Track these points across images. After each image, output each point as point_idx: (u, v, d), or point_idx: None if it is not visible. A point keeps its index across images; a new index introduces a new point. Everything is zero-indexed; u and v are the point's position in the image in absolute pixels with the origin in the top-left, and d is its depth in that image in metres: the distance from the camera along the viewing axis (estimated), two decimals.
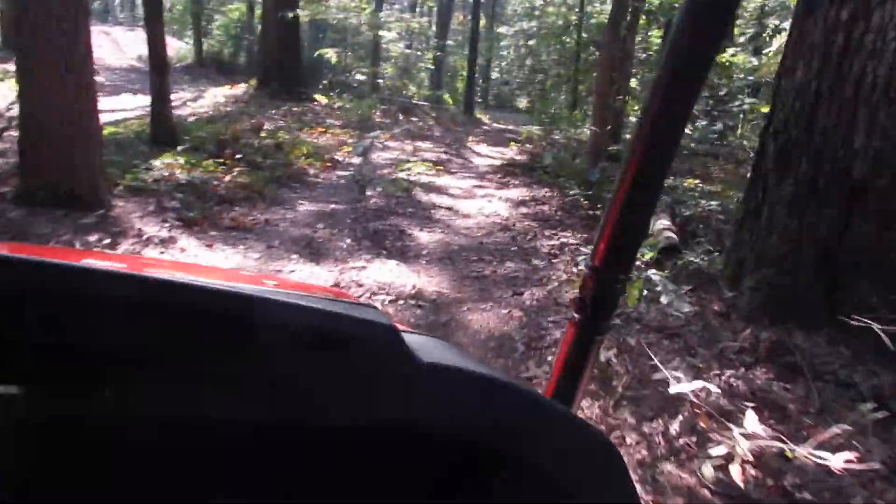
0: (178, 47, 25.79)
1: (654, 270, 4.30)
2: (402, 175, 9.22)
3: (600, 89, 8.15)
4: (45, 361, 0.66)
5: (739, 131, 12.25)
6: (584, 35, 26.40)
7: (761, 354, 3.57)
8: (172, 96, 16.51)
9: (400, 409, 0.74)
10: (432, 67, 22.81)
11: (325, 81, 17.15)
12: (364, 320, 0.76)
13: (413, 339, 0.78)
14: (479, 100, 27.44)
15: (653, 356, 3.34)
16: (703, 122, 9.63)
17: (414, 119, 15.68)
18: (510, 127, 22.23)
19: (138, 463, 0.71)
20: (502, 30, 29.74)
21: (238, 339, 0.70)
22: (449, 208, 7.73)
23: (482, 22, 27.98)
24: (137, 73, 20.67)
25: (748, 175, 4.76)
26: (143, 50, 24.85)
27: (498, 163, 11.48)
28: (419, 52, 26.03)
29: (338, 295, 1.24)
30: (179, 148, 8.47)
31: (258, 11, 20.80)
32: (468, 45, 24.28)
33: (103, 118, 12.02)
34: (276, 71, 16.10)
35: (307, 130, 12.06)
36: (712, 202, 6.89)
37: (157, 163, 7.62)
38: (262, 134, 10.58)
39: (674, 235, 5.39)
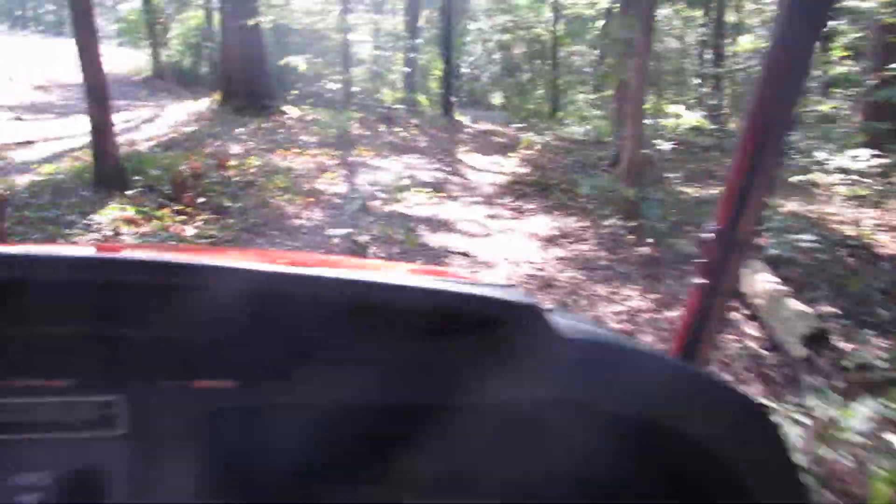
0: (134, 59, 23.78)
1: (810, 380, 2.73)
2: (398, 208, 7.57)
3: (635, 98, 6.57)
4: (246, 360, 0.75)
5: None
6: (559, 28, 24.83)
7: None
8: (127, 115, 14.63)
9: (549, 382, 0.77)
10: (406, 69, 21.04)
11: (294, 91, 15.33)
12: (511, 300, 0.79)
13: (556, 315, 0.80)
14: (454, 98, 25.78)
15: None
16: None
17: (396, 129, 13.96)
18: (493, 127, 20.63)
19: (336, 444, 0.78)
20: (474, 26, 28.06)
21: (394, 327, 0.76)
22: (464, 254, 6.09)
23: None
24: None
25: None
26: (106, 64, 22.85)
27: (501, 179, 9.85)
28: (390, 54, 24.27)
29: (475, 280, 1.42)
30: (129, 192, 6.72)
31: (217, 17, 18.89)
32: (440, 44, 22.53)
33: (44, 150, 10.28)
34: (241, 83, 14.26)
35: (280, 152, 10.30)
36: (804, 235, 5.35)
37: (99, 217, 5.88)
38: (230, 164, 8.84)
39: (807, 309, 3.84)
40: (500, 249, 6.28)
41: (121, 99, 18.22)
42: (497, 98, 32.59)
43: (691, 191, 9.32)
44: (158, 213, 6.17)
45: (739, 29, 16.98)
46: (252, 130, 11.91)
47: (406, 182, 8.97)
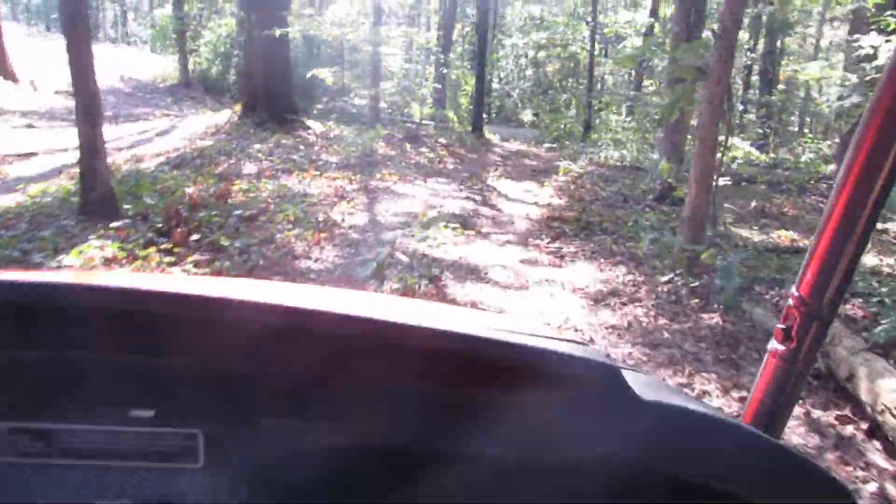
0: (162, 65, 23.17)
1: None
2: (422, 246, 6.57)
3: (705, 135, 5.48)
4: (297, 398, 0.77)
5: None
6: (598, 45, 23.73)
7: None
8: (143, 126, 13.83)
9: (624, 444, 0.75)
10: (437, 85, 20.11)
11: (319, 105, 14.44)
12: (589, 359, 0.80)
13: (632, 377, 0.80)
14: (484, 115, 24.77)
15: None
16: None
17: (423, 150, 12.98)
18: (524, 147, 19.61)
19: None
20: (508, 42, 27.05)
21: (467, 377, 0.77)
22: (499, 313, 5.06)
23: None
24: (116, 95, 18.01)
25: None
26: (127, 69, 22.21)
27: (535, 212, 8.80)
28: (421, 68, 23.36)
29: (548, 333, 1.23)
30: (116, 224, 5.79)
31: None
32: (473, 59, 21.54)
33: (44, 164, 9.43)
34: (263, 96, 13.38)
35: (296, 174, 9.37)
36: None
37: (70, 260, 4.96)
38: (239, 187, 7.91)
39: None
40: (538, 308, 5.23)
41: (143, 107, 17.53)
42: (528, 115, 31.55)
43: (748, 234, 8.22)
44: (143, 253, 5.22)
45: (795, 55, 15.80)
46: (270, 147, 11.00)
47: (433, 214, 7.98)
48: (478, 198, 9.51)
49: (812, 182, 12.64)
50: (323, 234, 6.62)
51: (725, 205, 8.89)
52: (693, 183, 5.62)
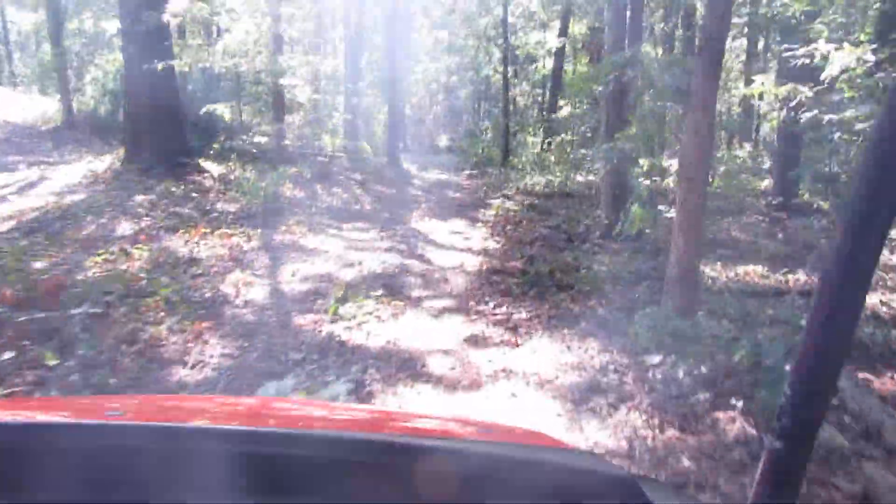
0: (44, 107, 20.67)
1: None
2: (338, 329, 5.02)
3: (693, 173, 4.15)
4: None
5: None
6: (510, 67, 22.73)
7: None
8: (7, 178, 11.68)
9: None
10: (347, 116, 18.56)
11: (216, 145, 12.62)
12: (611, 474, 0.79)
13: (652, 487, 0.77)
14: (399, 143, 23.34)
15: None
16: None
17: (336, 190, 11.39)
18: (444, 176, 18.28)
19: None
20: (419, 67, 25.78)
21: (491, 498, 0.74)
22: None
23: None
24: None
25: None
26: (4, 112, 19.62)
27: (471, 261, 7.36)
28: (331, 98, 21.72)
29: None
30: None
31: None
32: (384, 87, 20.10)
33: None
34: (150, 137, 11.49)
35: (183, 232, 7.62)
36: None
37: None
38: (99, 258, 6.11)
39: None
40: (499, 418, 3.76)
41: (16, 154, 15.18)
42: (443, 140, 30.35)
43: (712, 272, 7.03)
44: None
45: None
46: (155, 199, 9.17)
47: (351, 276, 6.42)
48: (403, 247, 8.00)
49: (750, 198, 11.78)
50: (205, 325, 4.94)
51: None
52: (679, 234, 4.30)
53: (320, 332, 4.96)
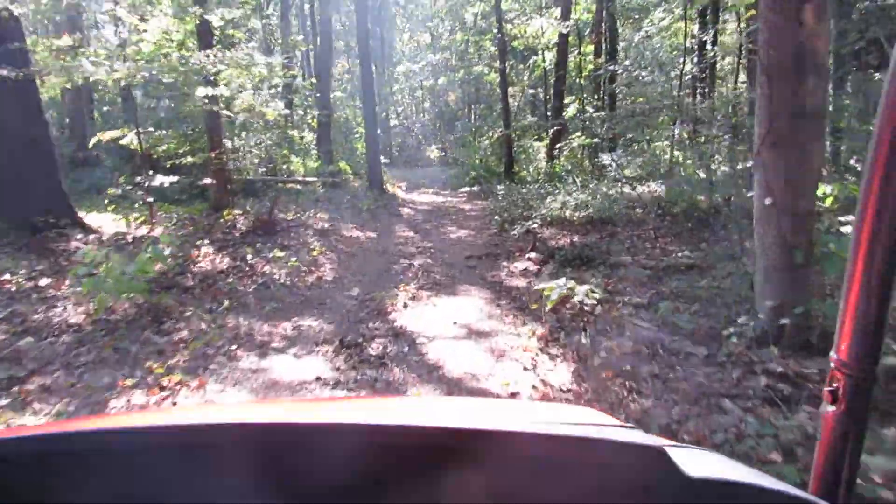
0: None
1: None
2: None
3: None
4: None
5: None
6: (510, 62, 18.59)
7: None
8: None
9: None
10: (309, 136, 14.39)
11: (112, 189, 8.36)
12: (634, 442, 0.74)
13: (681, 454, 0.74)
14: (385, 160, 19.15)
15: None
16: None
17: (280, 254, 7.21)
18: (438, 199, 14.17)
19: None
20: (400, 68, 21.55)
21: (529, 474, 0.72)
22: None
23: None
24: None
25: None
26: None
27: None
28: (301, 112, 17.52)
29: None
30: None
31: None
32: (361, 97, 15.88)
33: None
34: (3, 192, 7.38)
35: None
36: None
37: None
38: None
39: None
40: None
41: None
42: (434, 152, 26.17)
43: None
44: None
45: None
46: None
47: None
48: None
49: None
50: None
51: None
52: None
53: None
